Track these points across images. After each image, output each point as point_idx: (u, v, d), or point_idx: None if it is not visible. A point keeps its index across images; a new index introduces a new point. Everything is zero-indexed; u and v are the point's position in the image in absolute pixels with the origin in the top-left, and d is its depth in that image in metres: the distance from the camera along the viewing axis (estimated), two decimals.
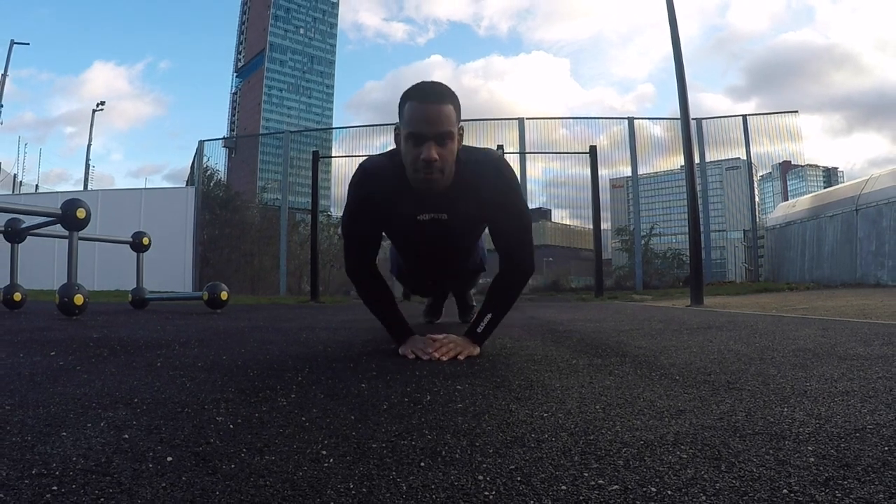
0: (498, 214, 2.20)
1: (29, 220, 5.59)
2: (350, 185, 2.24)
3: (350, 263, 2.29)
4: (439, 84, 2.05)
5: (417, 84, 2.06)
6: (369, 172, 2.20)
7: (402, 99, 2.05)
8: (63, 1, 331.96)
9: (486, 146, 2.79)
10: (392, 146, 2.19)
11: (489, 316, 2.18)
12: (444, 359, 2.01)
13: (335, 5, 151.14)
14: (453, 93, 2.05)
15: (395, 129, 2.11)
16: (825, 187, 19.02)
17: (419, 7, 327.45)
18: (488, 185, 2.14)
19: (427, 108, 1.97)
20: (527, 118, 14.16)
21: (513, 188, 2.19)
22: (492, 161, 2.19)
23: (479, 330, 2.17)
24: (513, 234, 2.22)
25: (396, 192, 2.15)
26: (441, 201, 2.15)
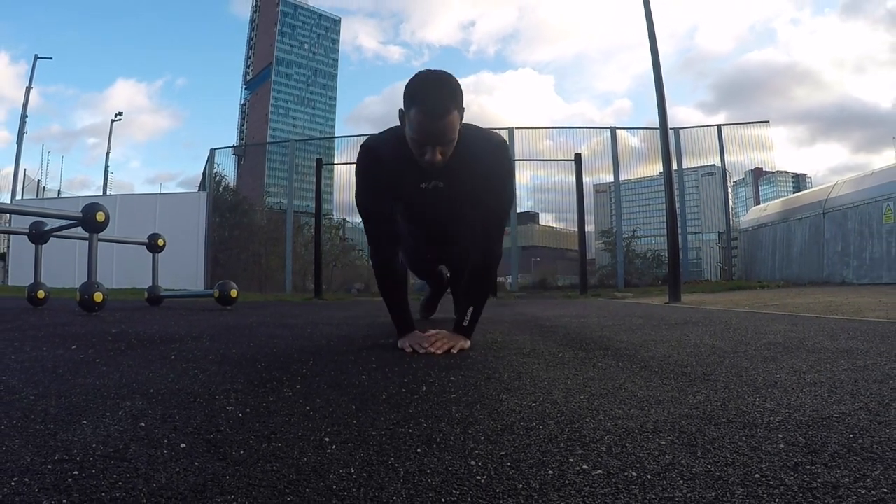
0: (484, 189, 2.18)
1: (52, 223, 5.58)
2: (357, 164, 2.20)
3: (374, 250, 2.26)
4: (444, 89, 1.92)
5: (422, 87, 1.93)
6: (373, 148, 2.17)
7: (407, 96, 1.95)
8: (89, 24, 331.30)
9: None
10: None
11: (471, 309, 2.20)
12: (439, 352, 2.01)
13: (337, 23, 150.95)
14: (455, 90, 1.94)
15: (399, 111, 2.02)
16: (794, 192, 19.04)
17: (414, 33, 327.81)
18: (484, 162, 2.12)
19: (432, 122, 1.89)
20: (516, 128, 14.20)
21: (504, 171, 2.17)
22: (492, 143, 2.16)
23: (465, 323, 2.19)
24: (491, 214, 2.22)
25: (399, 163, 2.10)
26: (441, 171, 2.09)
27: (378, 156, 2.16)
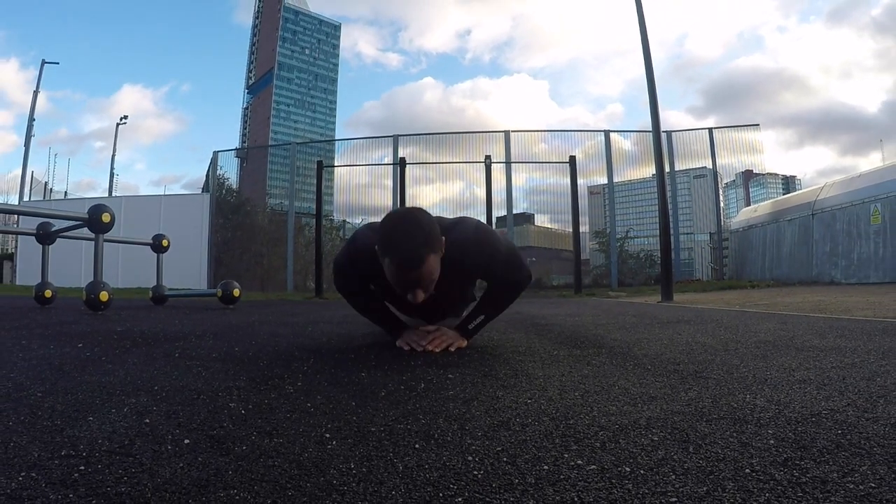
0: (487, 274, 2.14)
1: (59, 224, 5.57)
2: (341, 258, 2.14)
3: (339, 287, 2.26)
4: (418, 238, 1.77)
5: (396, 238, 1.78)
6: (359, 256, 2.03)
7: (381, 245, 1.82)
8: (96, 31, 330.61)
9: (465, 206, 2.61)
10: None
11: (482, 317, 2.17)
12: (437, 350, 2.01)
13: (337, 28, 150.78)
14: (429, 234, 1.80)
15: (376, 248, 1.84)
16: (784, 194, 19.08)
17: (412, 40, 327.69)
18: (471, 260, 1.99)
19: (409, 273, 1.77)
20: (512, 131, 14.20)
21: (494, 251, 2.05)
22: (469, 238, 1.99)
23: (470, 327, 2.16)
24: (505, 278, 2.15)
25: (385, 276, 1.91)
26: None
27: (364, 263, 2.01)
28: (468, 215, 2.23)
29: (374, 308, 2.26)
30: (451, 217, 2.15)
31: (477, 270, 2.11)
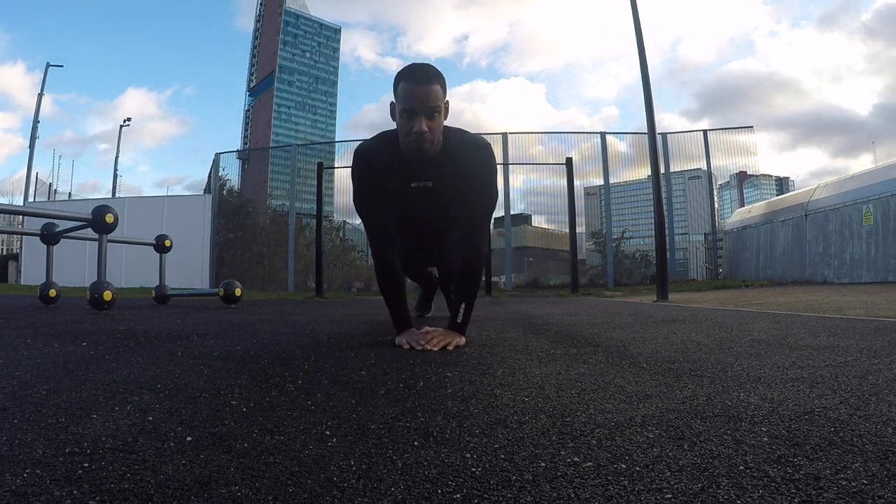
0: (470, 188, 2.25)
1: (63, 225, 5.56)
2: (352, 167, 2.30)
3: (376, 254, 2.31)
4: (428, 66, 2.13)
5: (409, 66, 2.14)
6: (365, 151, 2.27)
7: (396, 79, 2.13)
8: (101, 36, 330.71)
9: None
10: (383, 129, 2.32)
11: (462, 305, 2.22)
12: (435, 349, 2.01)
13: (338, 32, 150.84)
14: (440, 73, 2.12)
15: (390, 105, 2.17)
16: (777, 195, 19.08)
17: (410, 46, 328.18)
18: (468, 162, 2.23)
19: (418, 89, 2.05)
20: (510, 133, 14.20)
21: (489, 171, 2.27)
22: (477, 144, 2.27)
23: (458, 320, 2.20)
24: (475, 213, 2.28)
25: (390, 164, 2.23)
26: (428, 170, 2.23)
27: (370, 157, 2.26)
28: None
29: (395, 294, 2.29)
30: None
31: (465, 178, 2.24)
